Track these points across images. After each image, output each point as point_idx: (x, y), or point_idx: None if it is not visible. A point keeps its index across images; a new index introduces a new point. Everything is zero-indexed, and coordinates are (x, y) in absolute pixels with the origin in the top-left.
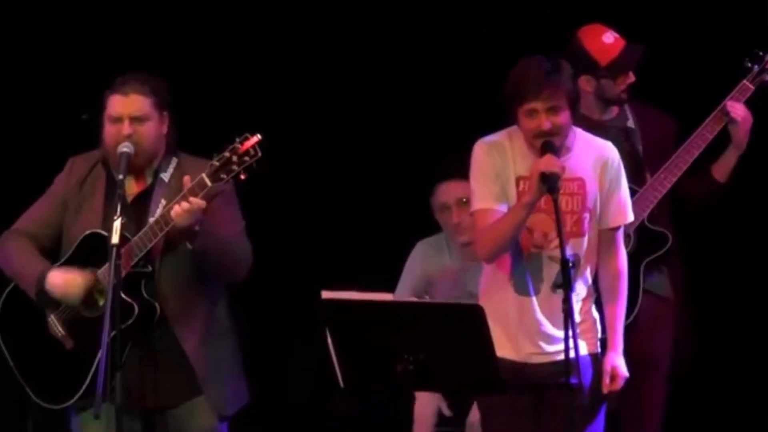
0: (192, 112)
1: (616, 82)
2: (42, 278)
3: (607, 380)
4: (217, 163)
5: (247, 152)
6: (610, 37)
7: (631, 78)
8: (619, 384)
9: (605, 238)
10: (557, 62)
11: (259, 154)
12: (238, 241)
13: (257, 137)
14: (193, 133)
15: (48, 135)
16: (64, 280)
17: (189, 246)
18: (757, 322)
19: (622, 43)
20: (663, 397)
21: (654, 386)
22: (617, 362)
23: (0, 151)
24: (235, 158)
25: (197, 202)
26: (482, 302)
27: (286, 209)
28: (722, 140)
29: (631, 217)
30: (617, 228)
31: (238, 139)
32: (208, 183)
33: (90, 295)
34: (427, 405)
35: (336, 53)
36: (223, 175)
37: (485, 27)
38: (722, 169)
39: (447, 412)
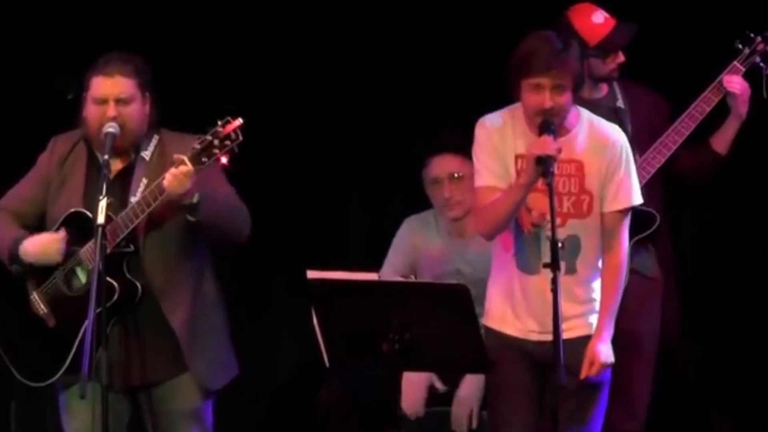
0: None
1: (605, 61)
2: (16, 245)
3: (586, 365)
4: (198, 146)
5: (228, 136)
6: (599, 16)
7: (621, 57)
8: (596, 370)
9: (606, 223)
10: (568, 41)
11: (241, 138)
12: (234, 203)
13: (239, 121)
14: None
15: (32, 114)
16: (40, 242)
17: (192, 219)
18: (745, 301)
19: (612, 22)
20: (650, 377)
21: (641, 366)
22: (598, 348)
23: None
24: (216, 142)
25: (185, 168)
26: (492, 279)
27: (273, 186)
28: (715, 117)
29: (634, 202)
30: (618, 212)
31: (219, 123)
32: (189, 166)
33: (72, 273)
34: (416, 382)
35: (330, 43)
36: (205, 159)
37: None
38: (722, 140)
39: (440, 387)
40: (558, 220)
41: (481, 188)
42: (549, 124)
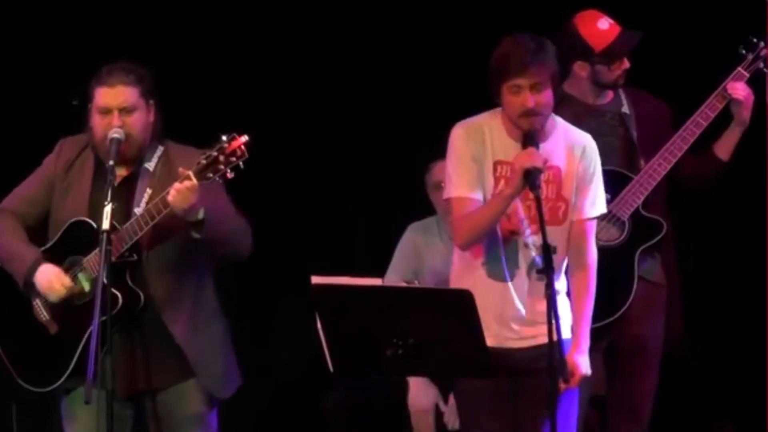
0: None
1: (611, 68)
2: (32, 270)
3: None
4: (204, 162)
5: (233, 152)
6: (605, 23)
7: (626, 64)
8: (576, 382)
9: (577, 229)
10: (542, 41)
11: (246, 154)
12: (237, 223)
13: (245, 138)
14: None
15: (38, 119)
16: (48, 280)
17: (196, 235)
18: (745, 305)
19: (617, 29)
20: (654, 382)
21: (645, 371)
22: (578, 360)
23: None
24: (222, 158)
25: (190, 183)
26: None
27: (276, 195)
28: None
29: (602, 210)
30: (590, 220)
31: (225, 138)
32: (194, 180)
33: (75, 281)
34: (423, 401)
35: (331, 49)
36: (210, 174)
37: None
38: (725, 146)
39: (444, 407)
40: (534, 227)
41: (456, 199)
42: (533, 135)
